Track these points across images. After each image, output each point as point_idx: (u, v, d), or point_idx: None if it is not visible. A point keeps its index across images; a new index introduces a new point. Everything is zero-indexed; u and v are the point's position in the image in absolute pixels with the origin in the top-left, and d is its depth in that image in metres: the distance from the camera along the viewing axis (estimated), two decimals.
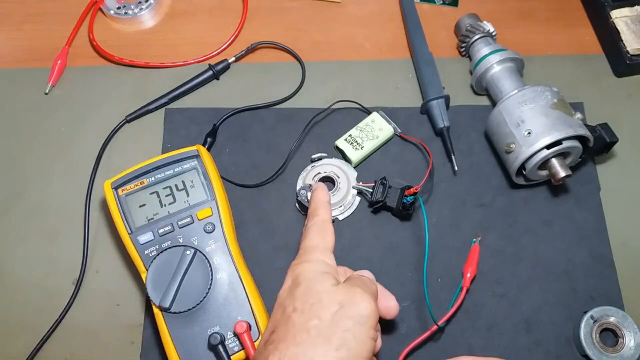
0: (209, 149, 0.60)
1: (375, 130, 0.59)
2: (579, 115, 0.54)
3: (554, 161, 0.53)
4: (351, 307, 0.38)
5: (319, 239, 0.44)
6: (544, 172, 0.55)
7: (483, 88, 0.62)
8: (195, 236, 0.50)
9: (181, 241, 0.50)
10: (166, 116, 0.63)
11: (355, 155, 0.58)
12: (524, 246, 0.56)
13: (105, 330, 0.54)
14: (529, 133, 0.53)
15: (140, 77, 0.65)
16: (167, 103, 0.63)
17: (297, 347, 0.36)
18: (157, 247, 0.50)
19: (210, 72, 0.64)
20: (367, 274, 0.44)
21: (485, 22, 0.63)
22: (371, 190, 0.56)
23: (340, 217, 0.57)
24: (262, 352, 0.37)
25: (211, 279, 0.48)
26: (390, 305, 0.45)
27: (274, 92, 0.63)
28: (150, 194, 0.52)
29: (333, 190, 0.57)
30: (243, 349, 0.47)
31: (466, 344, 0.52)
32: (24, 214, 0.59)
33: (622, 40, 0.63)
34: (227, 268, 0.49)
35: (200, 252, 0.49)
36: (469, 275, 0.53)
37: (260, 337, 0.47)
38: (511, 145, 0.54)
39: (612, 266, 0.55)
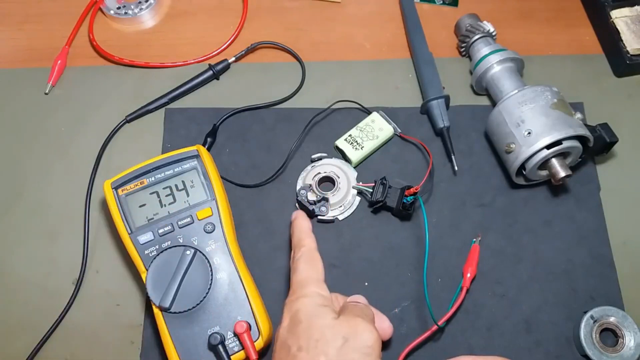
0: (209, 149, 0.60)
1: (375, 130, 0.59)
2: (579, 115, 0.54)
3: (554, 161, 0.53)
4: (355, 340, 0.38)
5: (310, 270, 0.44)
6: (544, 172, 0.55)
7: (483, 88, 0.62)
8: (195, 236, 0.50)
9: (181, 241, 0.50)
10: (166, 116, 0.63)
11: (355, 155, 0.58)
12: (524, 246, 0.56)
13: (105, 330, 0.54)
14: (529, 133, 0.53)
15: (140, 77, 0.65)
16: (167, 103, 0.63)
17: None
18: (157, 247, 0.49)
19: (210, 72, 0.64)
20: (361, 299, 0.44)
21: (485, 22, 0.63)
22: (371, 190, 0.56)
23: (340, 217, 0.57)
24: None
25: (211, 279, 0.48)
26: (384, 326, 0.45)
27: (274, 92, 0.63)
28: (150, 194, 0.52)
29: (333, 190, 0.57)
30: (243, 349, 0.47)
31: (466, 344, 0.52)
32: (24, 214, 0.59)
33: (622, 40, 0.63)
34: (227, 268, 0.49)
35: (200, 252, 0.49)
36: (469, 275, 0.53)
37: (260, 338, 0.47)
38: (511, 145, 0.54)
39: (612, 266, 0.55)
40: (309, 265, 0.44)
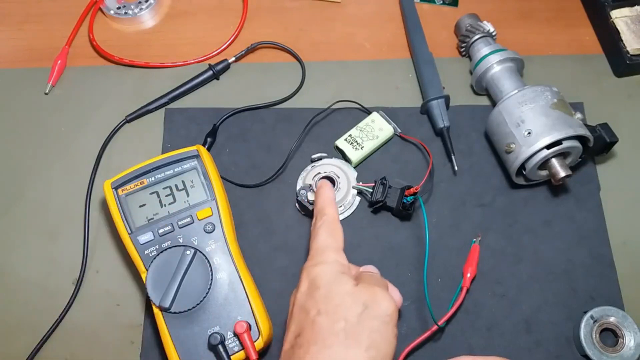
0: (209, 149, 0.60)
1: (375, 130, 0.59)
2: (579, 115, 0.54)
3: (554, 161, 0.53)
4: (375, 308, 0.39)
5: (330, 238, 0.44)
6: (544, 172, 0.55)
7: (483, 88, 0.62)
8: (195, 236, 0.50)
9: (181, 241, 0.50)
10: (166, 116, 0.63)
11: (355, 155, 0.58)
12: (524, 246, 0.56)
13: (105, 330, 0.54)
14: (529, 133, 0.53)
15: (140, 77, 0.65)
16: (167, 103, 0.63)
17: (329, 350, 0.37)
18: (157, 247, 0.50)
19: (210, 72, 0.64)
20: (374, 269, 0.45)
21: (485, 22, 0.63)
22: (371, 190, 0.56)
23: (340, 217, 0.57)
24: (291, 356, 0.38)
25: (211, 279, 0.48)
26: (395, 298, 0.45)
27: (274, 92, 0.63)
28: (150, 194, 0.52)
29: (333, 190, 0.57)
30: (243, 349, 0.47)
31: (466, 344, 0.52)
32: (24, 214, 0.59)
33: (622, 40, 0.63)
34: (227, 268, 0.49)
35: (200, 252, 0.49)
36: (469, 275, 0.53)
37: (260, 338, 0.47)
38: (511, 145, 0.54)
39: (612, 266, 0.55)
40: (329, 233, 0.44)
